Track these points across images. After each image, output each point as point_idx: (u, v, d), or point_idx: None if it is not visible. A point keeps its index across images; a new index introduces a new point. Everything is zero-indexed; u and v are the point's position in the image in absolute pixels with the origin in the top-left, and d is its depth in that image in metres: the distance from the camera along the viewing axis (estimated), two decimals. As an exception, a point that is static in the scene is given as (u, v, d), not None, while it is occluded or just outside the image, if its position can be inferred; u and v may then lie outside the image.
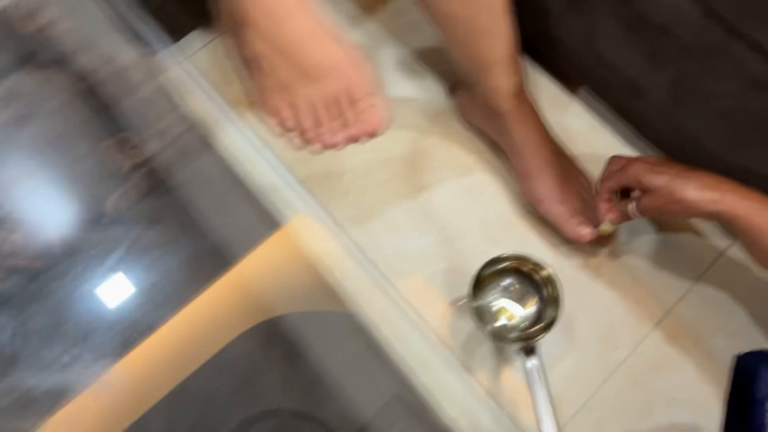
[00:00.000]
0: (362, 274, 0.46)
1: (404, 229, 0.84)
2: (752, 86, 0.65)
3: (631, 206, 0.71)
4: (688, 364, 0.78)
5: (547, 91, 0.91)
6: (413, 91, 0.91)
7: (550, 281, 0.75)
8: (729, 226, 0.64)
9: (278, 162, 0.75)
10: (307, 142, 0.64)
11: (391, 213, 0.85)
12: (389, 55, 0.93)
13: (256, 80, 0.64)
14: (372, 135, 0.64)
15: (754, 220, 0.61)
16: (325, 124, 0.63)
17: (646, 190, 0.68)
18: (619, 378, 0.78)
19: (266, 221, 0.53)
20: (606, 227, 0.76)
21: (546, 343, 0.78)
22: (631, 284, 0.81)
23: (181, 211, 0.55)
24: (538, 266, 0.75)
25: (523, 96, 0.79)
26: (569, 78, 0.90)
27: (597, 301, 0.81)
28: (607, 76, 0.79)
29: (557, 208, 0.80)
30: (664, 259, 0.82)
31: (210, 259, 0.54)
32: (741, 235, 0.64)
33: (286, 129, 0.64)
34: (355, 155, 0.88)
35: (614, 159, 0.76)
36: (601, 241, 0.81)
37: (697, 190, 0.64)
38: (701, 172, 0.65)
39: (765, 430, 0.50)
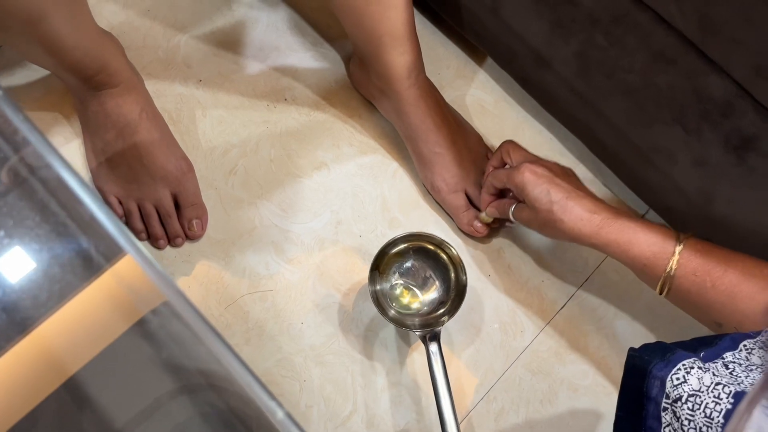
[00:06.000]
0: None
1: (297, 210, 0.77)
2: (657, 59, 0.62)
3: (511, 209, 0.69)
4: (590, 350, 0.76)
5: (453, 62, 0.85)
6: (308, 59, 0.83)
7: (455, 262, 0.70)
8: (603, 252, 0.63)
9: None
10: (131, 228, 0.72)
11: (282, 193, 0.78)
12: (282, 19, 0.85)
13: (101, 166, 0.73)
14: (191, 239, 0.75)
15: (629, 251, 0.60)
16: (152, 217, 0.73)
17: (528, 203, 0.65)
18: (521, 366, 0.75)
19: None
20: (485, 217, 0.75)
21: (448, 328, 0.74)
22: (534, 268, 0.78)
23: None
24: (443, 245, 0.71)
25: (418, 76, 0.73)
26: (476, 48, 0.85)
27: (499, 287, 0.77)
28: (513, 45, 0.73)
29: (452, 199, 0.76)
30: (567, 243, 0.78)
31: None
32: (616, 258, 0.62)
33: (117, 213, 0.72)
34: (244, 128, 0.80)
35: (506, 145, 0.71)
36: (496, 224, 0.77)
37: (576, 222, 0.61)
38: (584, 197, 0.62)
39: (658, 429, 0.47)
